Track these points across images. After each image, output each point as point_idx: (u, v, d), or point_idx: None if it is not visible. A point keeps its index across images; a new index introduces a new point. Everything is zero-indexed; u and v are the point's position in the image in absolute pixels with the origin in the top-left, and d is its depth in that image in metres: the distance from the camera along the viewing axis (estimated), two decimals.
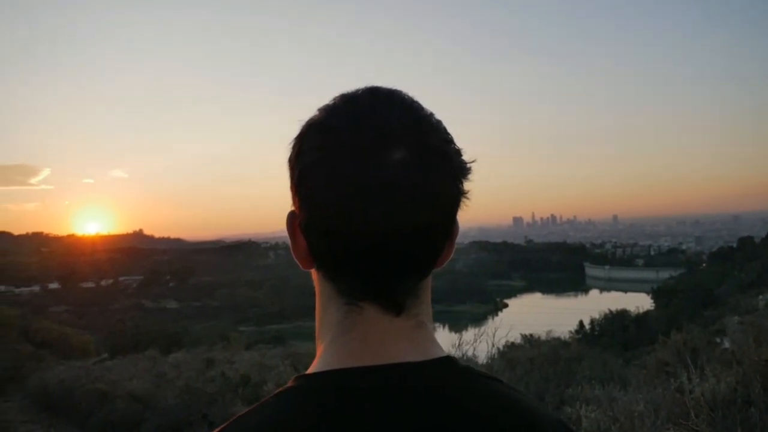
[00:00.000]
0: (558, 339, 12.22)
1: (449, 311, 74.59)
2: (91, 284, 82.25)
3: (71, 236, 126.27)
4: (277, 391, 0.68)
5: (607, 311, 40.54)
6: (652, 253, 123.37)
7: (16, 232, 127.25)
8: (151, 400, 10.68)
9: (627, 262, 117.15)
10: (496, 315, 65.30)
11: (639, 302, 49.20)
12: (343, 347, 0.68)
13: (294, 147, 0.69)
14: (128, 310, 59.12)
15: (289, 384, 0.68)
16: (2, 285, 75.56)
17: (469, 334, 7.72)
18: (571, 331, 29.45)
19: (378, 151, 0.63)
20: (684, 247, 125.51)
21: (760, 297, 29.93)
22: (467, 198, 0.69)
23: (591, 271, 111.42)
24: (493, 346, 7.59)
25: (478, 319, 50.86)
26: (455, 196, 0.68)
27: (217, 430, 0.64)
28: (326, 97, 0.70)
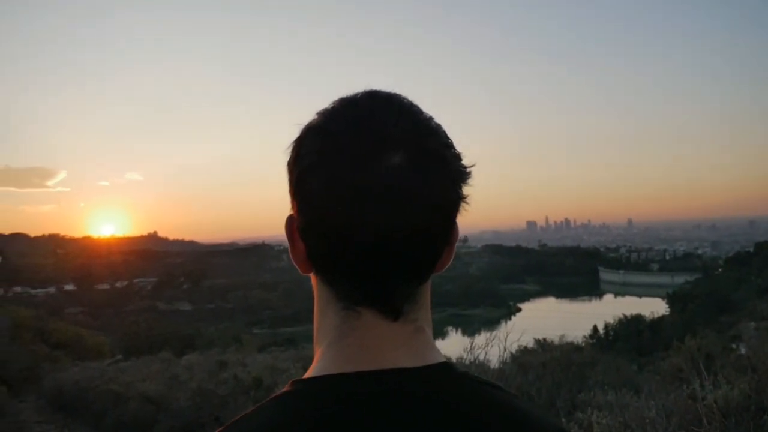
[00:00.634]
0: (571, 344, 12.16)
1: (462, 315, 74.45)
2: (106, 286, 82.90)
3: (87, 238, 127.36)
4: (274, 395, 0.67)
5: (622, 316, 40.24)
6: (668, 257, 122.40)
7: (32, 234, 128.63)
8: (163, 402, 10.74)
9: (642, 266, 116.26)
10: (510, 319, 65.12)
11: (654, 307, 48.73)
12: (341, 352, 0.67)
13: (293, 151, 0.68)
14: (142, 311, 59.52)
15: (286, 388, 0.67)
16: (19, 286, 76.41)
17: (482, 338, 7.69)
18: (585, 336, 29.30)
19: (376, 155, 0.63)
20: (700, 251, 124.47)
21: None
22: (466, 203, 0.69)
23: (605, 275, 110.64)
24: (505, 350, 7.54)
25: (492, 323, 50.59)
26: (454, 200, 0.67)
27: None
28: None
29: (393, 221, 0.62)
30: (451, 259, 0.73)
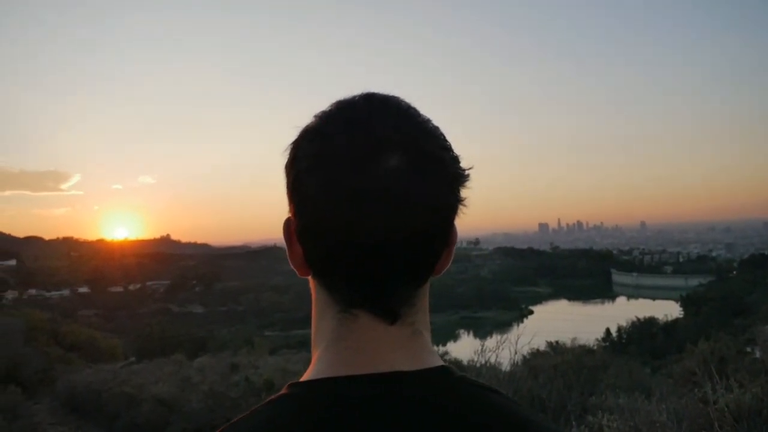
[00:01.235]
0: (583, 346, 12.13)
1: (474, 317, 74.22)
2: (119, 288, 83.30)
3: (100, 241, 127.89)
4: (270, 398, 0.67)
5: (635, 319, 40.00)
6: (681, 260, 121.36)
7: (47, 237, 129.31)
8: (176, 404, 10.80)
9: (655, 269, 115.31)
10: (522, 322, 64.73)
11: (667, 310, 48.39)
12: (338, 355, 0.67)
13: (289, 153, 0.68)
14: (155, 314, 59.79)
15: (283, 391, 0.67)
16: (34, 289, 77.01)
17: (493, 340, 7.67)
18: (597, 339, 29.15)
19: (373, 157, 0.63)
20: (714, 254, 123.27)
21: None
22: (465, 205, 0.69)
23: (618, 278, 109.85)
24: (515, 353, 7.52)
25: (503, 326, 50.40)
26: (452, 203, 0.67)
27: None
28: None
29: (390, 224, 0.62)
30: (450, 262, 0.72)
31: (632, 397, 5.18)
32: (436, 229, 0.66)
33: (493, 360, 7.27)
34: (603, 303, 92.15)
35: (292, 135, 0.70)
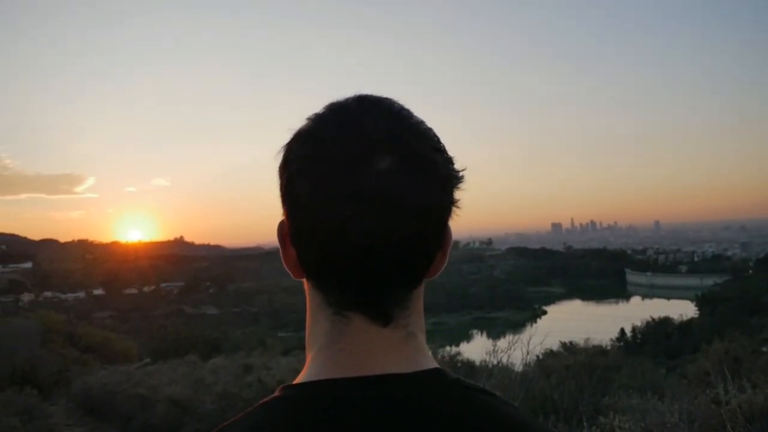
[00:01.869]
0: (596, 347, 12.05)
1: (487, 318, 74.06)
2: (133, 290, 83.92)
3: (115, 243, 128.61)
4: (263, 400, 0.67)
5: (650, 319, 39.74)
6: (696, 259, 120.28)
7: (62, 240, 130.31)
8: (189, 405, 10.87)
9: (670, 268, 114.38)
10: (535, 322, 64.48)
11: (682, 309, 48.01)
12: (331, 358, 0.67)
13: (282, 156, 0.68)
14: (169, 315, 60.11)
15: (276, 394, 0.67)
16: (49, 291, 77.81)
17: (506, 341, 7.65)
18: (612, 339, 28.97)
19: (364, 159, 0.63)
20: (729, 253, 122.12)
21: None
22: (458, 207, 0.68)
23: (632, 277, 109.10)
24: (527, 353, 7.50)
25: (517, 326, 50.20)
26: (444, 204, 0.67)
27: None
28: None
29: (381, 226, 0.62)
30: (445, 264, 0.72)
31: (645, 397, 5.15)
32: (429, 231, 0.66)
33: (505, 360, 7.26)
34: (617, 303, 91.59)
35: (288, 137, 0.69)
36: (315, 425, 0.62)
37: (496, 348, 7.29)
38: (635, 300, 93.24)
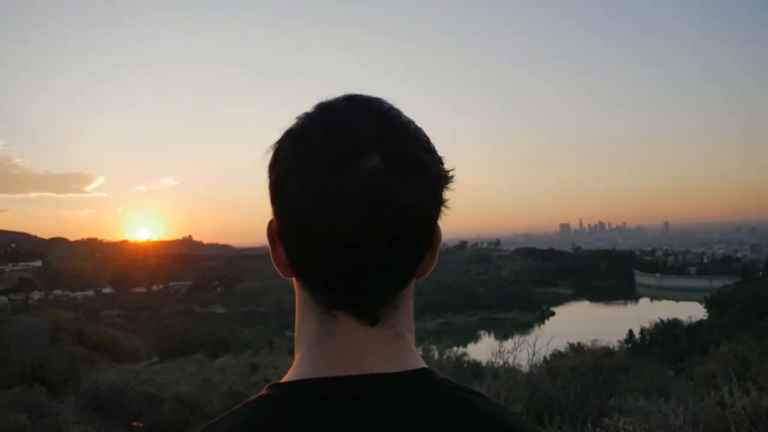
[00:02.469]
0: (603, 348, 12.00)
1: (494, 318, 73.95)
2: (142, 289, 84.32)
3: (124, 242, 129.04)
4: (250, 399, 0.67)
5: (658, 320, 39.55)
6: (706, 260, 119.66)
7: (71, 239, 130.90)
8: (196, 404, 10.90)
9: (679, 269, 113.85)
10: (543, 323, 64.40)
11: (692, 311, 47.80)
12: (318, 357, 0.67)
13: (271, 155, 0.68)
14: (178, 314, 60.33)
15: (262, 392, 0.67)
16: (59, 289, 78.22)
17: (513, 342, 7.63)
18: (620, 341, 28.85)
19: (353, 159, 0.63)
20: (739, 254, 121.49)
21: None
22: (447, 207, 0.69)
23: (641, 279, 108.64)
24: (534, 354, 7.48)
25: (524, 327, 50.13)
26: (433, 204, 0.67)
27: None
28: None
29: (369, 225, 0.62)
30: (434, 264, 0.72)
31: (651, 399, 5.13)
32: (418, 231, 0.66)
33: (511, 361, 7.24)
34: (626, 304, 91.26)
35: (278, 136, 0.69)
36: (300, 424, 0.62)
37: (503, 349, 7.28)
38: (644, 301, 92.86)
